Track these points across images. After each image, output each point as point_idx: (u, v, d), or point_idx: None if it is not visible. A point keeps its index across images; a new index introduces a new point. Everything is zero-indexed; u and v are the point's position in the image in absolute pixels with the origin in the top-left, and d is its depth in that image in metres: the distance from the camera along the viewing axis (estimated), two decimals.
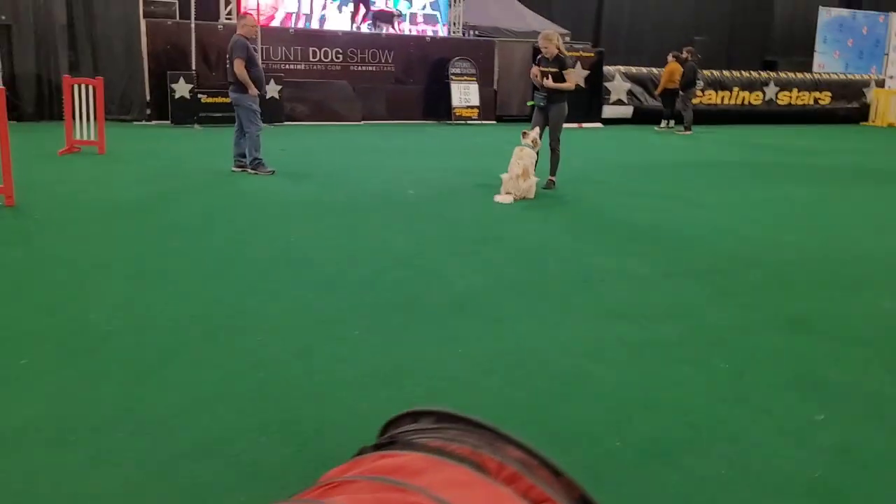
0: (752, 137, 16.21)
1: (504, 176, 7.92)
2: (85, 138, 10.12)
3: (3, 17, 13.75)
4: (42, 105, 14.76)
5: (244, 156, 8.99)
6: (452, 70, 17.32)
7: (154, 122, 14.98)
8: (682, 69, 16.75)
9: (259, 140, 8.91)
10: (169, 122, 14.71)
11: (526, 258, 5.38)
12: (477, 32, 18.86)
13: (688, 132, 16.66)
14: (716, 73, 19.52)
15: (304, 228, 6.21)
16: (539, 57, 8.73)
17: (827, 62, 22.97)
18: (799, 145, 14.79)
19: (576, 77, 8.56)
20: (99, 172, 8.76)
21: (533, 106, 8.78)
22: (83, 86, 10.04)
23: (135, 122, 15.07)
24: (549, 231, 6.39)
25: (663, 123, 17.67)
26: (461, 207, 7.30)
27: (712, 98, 19.47)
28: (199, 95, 14.73)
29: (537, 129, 8.33)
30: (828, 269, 5.33)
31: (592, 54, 18.13)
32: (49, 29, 14.45)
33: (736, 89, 19.69)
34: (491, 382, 3.22)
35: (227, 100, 14.64)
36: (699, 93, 19.04)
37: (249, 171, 8.94)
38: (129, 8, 14.98)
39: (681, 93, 16.86)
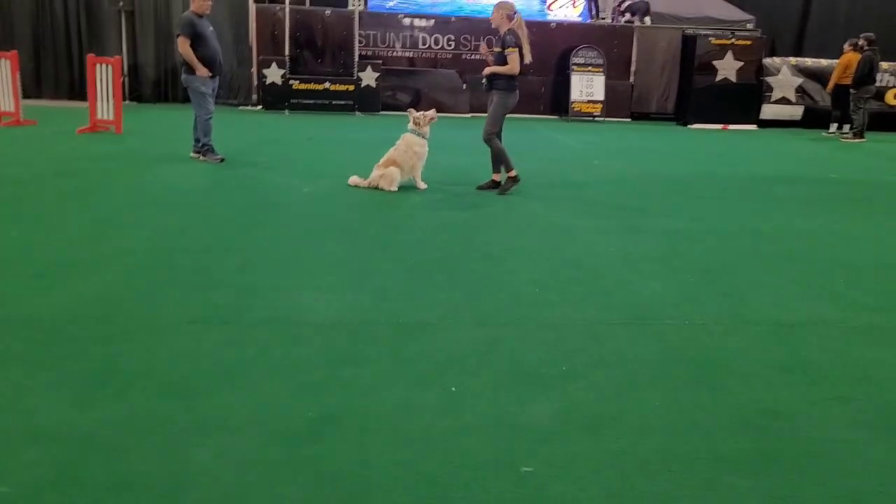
0: None
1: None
2: (106, 118, 10.34)
3: (122, 4, 14.72)
4: (160, 88, 15.67)
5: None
6: (575, 60, 15.51)
7: (258, 108, 15.16)
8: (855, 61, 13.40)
9: (209, 125, 8.35)
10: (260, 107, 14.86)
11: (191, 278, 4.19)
12: (628, 18, 16.58)
13: (857, 140, 13.31)
14: None
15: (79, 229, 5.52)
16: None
17: None
18: None
19: (517, 59, 6.81)
20: (54, 151, 8.82)
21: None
22: (104, 65, 10.22)
23: (240, 107, 15.41)
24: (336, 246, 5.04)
25: (832, 128, 14.34)
26: (310, 209, 6.15)
27: None
28: (291, 81, 14.66)
29: (421, 112, 7.08)
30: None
31: (749, 42, 15.19)
32: (165, 15, 15.25)
33: None
34: None
35: (321, 86, 14.78)
36: None
37: (200, 157, 8.44)
38: None
39: (852, 91, 13.48)
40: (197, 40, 8.10)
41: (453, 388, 2.95)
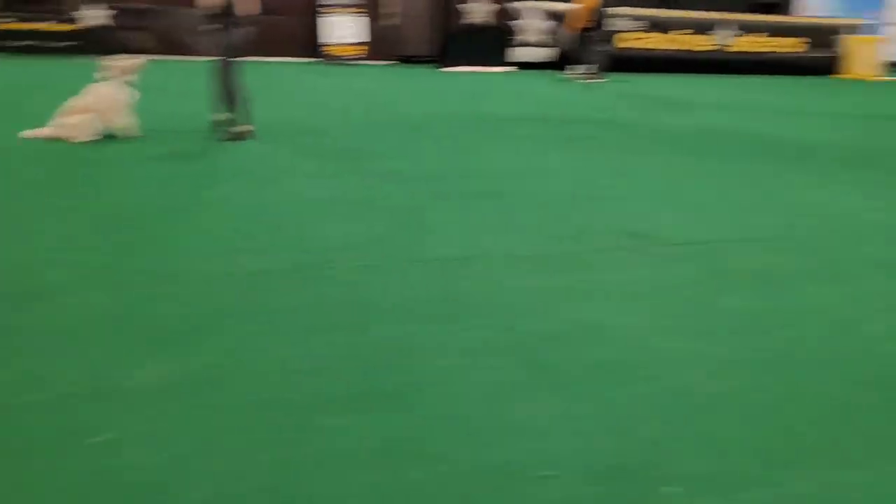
0: (668, 89, 13.56)
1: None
2: None
3: None
4: None
5: None
6: (325, 0, 14.99)
7: None
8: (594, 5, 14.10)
9: None
10: None
11: None
12: None
13: (597, 80, 14.10)
14: (656, 12, 16.66)
15: None
16: None
17: (814, 4, 19.67)
18: (702, 99, 12.08)
19: None
20: None
21: None
22: None
23: None
24: None
25: (575, 68, 15.05)
26: None
27: (652, 42, 16.66)
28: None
29: (129, 61, 6.43)
30: None
31: None
32: None
33: (678, 32, 16.80)
34: None
35: (36, 26, 13.11)
36: (639, 35, 16.42)
37: None
38: None
39: (589, 34, 14.22)
40: None
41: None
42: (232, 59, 6.53)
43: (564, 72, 14.89)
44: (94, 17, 13.38)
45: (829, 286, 3.63)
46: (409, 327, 2.91)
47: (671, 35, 16.66)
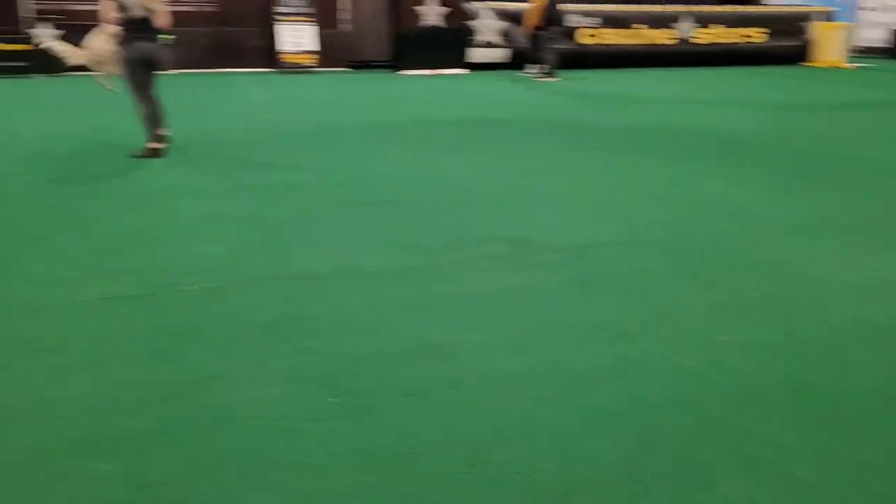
0: (622, 85, 13.44)
1: None
2: None
3: None
4: None
5: None
6: (280, 9, 14.90)
7: None
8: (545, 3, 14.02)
9: None
10: None
11: None
12: None
13: (551, 78, 14.01)
14: (613, 7, 16.58)
15: None
16: None
17: None
18: (653, 94, 11.97)
19: (107, 6, 6.34)
20: None
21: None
22: None
23: None
24: None
25: (531, 68, 14.98)
26: None
27: (610, 38, 16.57)
28: None
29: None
30: None
31: None
32: None
33: (637, 27, 16.71)
34: None
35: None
36: (598, 31, 16.31)
37: None
38: None
39: (540, 32, 14.15)
40: None
41: None
42: (149, 74, 6.52)
43: (523, 71, 14.82)
44: (46, 35, 13.31)
45: (687, 288, 3.56)
46: (227, 355, 2.83)
47: (632, 30, 16.58)
